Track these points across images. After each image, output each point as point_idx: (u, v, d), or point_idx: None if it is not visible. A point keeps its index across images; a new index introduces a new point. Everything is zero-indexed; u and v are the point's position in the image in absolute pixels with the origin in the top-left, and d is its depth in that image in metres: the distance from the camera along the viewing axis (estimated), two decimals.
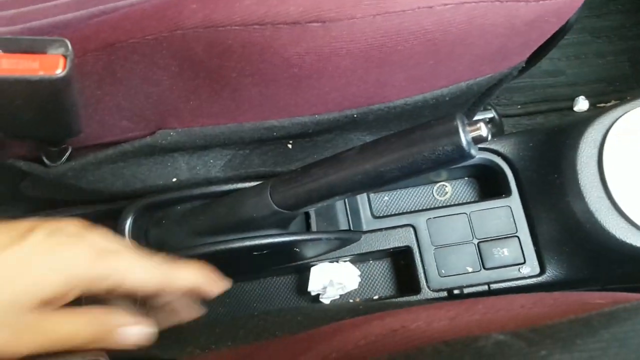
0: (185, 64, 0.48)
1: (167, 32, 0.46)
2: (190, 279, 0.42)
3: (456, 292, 0.62)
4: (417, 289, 0.63)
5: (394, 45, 0.45)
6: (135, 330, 0.37)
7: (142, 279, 0.38)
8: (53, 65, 0.41)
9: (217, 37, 0.45)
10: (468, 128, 0.41)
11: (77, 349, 0.35)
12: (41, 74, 0.40)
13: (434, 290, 0.62)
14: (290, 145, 0.65)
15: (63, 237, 0.36)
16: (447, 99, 0.57)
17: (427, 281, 0.63)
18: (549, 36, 0.57)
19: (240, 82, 0.49)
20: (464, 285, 0.63)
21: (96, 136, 0.56)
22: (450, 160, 0.42)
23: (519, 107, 1.06)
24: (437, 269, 0.63)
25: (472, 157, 0.42)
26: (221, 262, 0.59)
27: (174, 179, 0.62)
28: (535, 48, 0.58)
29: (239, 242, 0.55)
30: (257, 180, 0.60)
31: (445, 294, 0.62)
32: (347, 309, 0.51)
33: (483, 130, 0.41)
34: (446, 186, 0.71)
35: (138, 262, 0.39)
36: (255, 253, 0.57)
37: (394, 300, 0.63)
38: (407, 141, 0.43)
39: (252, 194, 0.53)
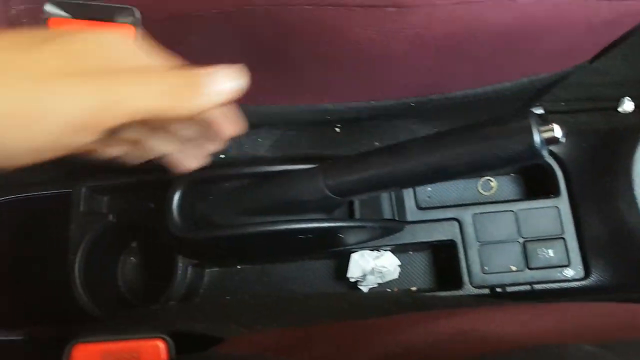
0: (251, 41, 0.47)
1: (234, 7, 0.45)
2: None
3: (499, 290, 0.61)
4: (458, 284, 0.62)
5: (469, 36, 0.43)
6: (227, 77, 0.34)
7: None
8: (124, 35, 0.40)
9: (287, 16, 0.44)
10: (541, 128, 0.40)
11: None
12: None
13: (476, 287, 0.62)
14: (338, 130, 0.64)
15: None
16: (507, 93, 0.56)
17: (469, 277, 0.62)
18: (618, 36, 0.55)
19: (304, 63, 0.48)
20: (507, 283, 0.62)
21: None
22: (520, 160, 0.41)
23: (562, 104, 1.03)
24: (481, 265, 0.62)
25: (542, 158, 0.41)
26: (262, 241, 0.59)
27: (222, 155, 0.62)
28: (602, 47, 0.56)
29: (286, 224, 0.54)
30: (304, 163, 0.59)
31: (487, 291, 0.61)
32: (393, 301, 0.51)
33: (557, 132, 0.40)
34: (491, 181, 0.70)
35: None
36: (300, 236, 0.57)
37: (439, 294, 0.62)
38: (476, 136, 0.42)
39: (304, 177, 0.52)
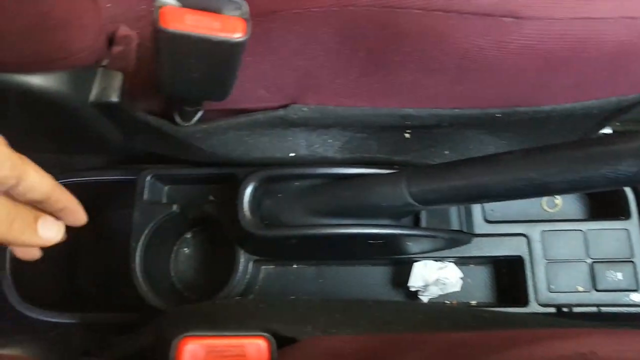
0: (348, 42, 0.47)
1: (337, 7, 0.45)
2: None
3: (565, 310, 0.60)
4: (524, 301, 0.61)
5: (580, 51, 0.42)
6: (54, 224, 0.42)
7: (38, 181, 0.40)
8: (234, 27, 0.40)
9: (393, 19, 0.43)
10: None
11: None
12: (222, 35, 0.39)
13: (542, 305, 0.60)
14: (407, 135, 0.63)
15: None
16: (594, 111, 0.55)
17: (535, 295, 0.61)
18: None
19: (400, 67, 0.48)
20: (573, 303, 0.61)
21: (231, 101, 0.55)
22: (630, 182, 0.40)
23: (631, 124, 1.01)
24: (547, 284, 0.61)
25: None
26: (329, 243, 0.58)
27: (292, 154, 0.61)
28: None
29: (362, 228, 0.54)
30: (375, 167, 0.58)
31: (553, 310, 0.60)
32: (470, 316, 0.50)
33: None
34: (557, 198, 0.69)
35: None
36: (370, 241, 0.56)
37: (518, 313, 0.60)
38: (584, 154, 0.41)
39: (385, 181, 0.52)
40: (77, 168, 0.82)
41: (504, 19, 0.40)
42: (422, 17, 0.42)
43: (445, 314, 0.51)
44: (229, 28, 0.40)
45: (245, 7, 0.41)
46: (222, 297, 0.62)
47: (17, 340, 0.41)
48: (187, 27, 0.38)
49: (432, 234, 0.57)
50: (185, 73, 0.43)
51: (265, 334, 0.35)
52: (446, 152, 0.63)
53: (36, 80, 0.45)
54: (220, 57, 0.41)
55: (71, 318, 0.65)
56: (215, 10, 0.40)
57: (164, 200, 0.68)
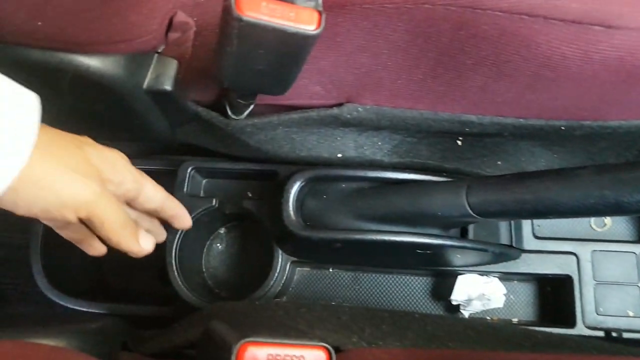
0: (418, 40, 0.45)
1: (412, 4, 0.43)
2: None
3: (614, 334, 0.58)
4: (571, 323, 0.58)
5: None
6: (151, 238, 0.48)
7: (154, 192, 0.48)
8: (308, 19, 0.38)
9: (472, 19, 0.41)
10: None
11: None
12: (297, 26, 0.37)
13: (589, 328, 0.58)
14: (459, 142, 0.61)
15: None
16: None
17: (583, 316, 0.59)
18: None
19: (470, 71, 0.46)
20: (623, 328, 0.58)
21: (283, 96, 0.53)
22: None
23: None
24: (595, 306, 0.59)
25: None
26: (374, 249, 0.56)
27: (339, 155, 0.59)
28: None
29: (410, 236, 0.52)
30: (427, 173, 0.56)
31: (601, 333, 0.58)
32: (523, 335, 0.48)
33: None
34: (606, 217, 0.66)
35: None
36: (418, 251, 0.54)
37: (563, 334, 0.58)
38: None
39: (444, 190, 0.49)
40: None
41: (594, 27, 0.38)
42: (504, 19, 0.40)
43: (497, 331, 0.48)
44: (304, 19, 0.38)
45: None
46: (256, 297, 0.60)
47: (56, 331, 0.39)
48: (262, 16, 0.37)
49: (483, 247, 0.55)
50: (251, 64, 0.41)
51: (325, 344, 0.33)
52: (499, 163, 0.61)
53: (93, 62, 0.44)
54: (291, 50, 0.40)
55: (99, 308, 0.64)
56: (291, 0, 0.39)
57: (202, 193, 0.67)
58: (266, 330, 0.38)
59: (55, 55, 0.42)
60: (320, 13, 0.38)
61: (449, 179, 0.54)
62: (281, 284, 0.61)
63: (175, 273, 0.60)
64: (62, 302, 0.63)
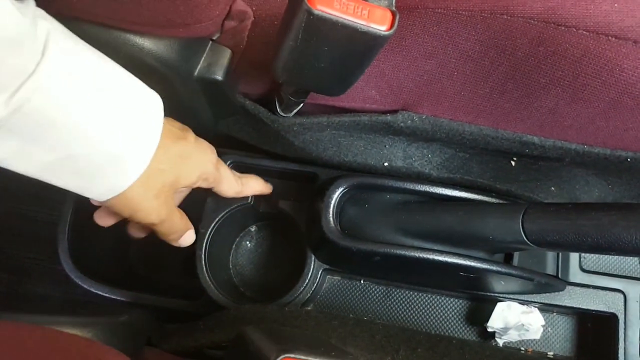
0: (490, 52, 0.42)
1: (489, 13, 0.40)
2: (254, 190, 0.57)
3: None
4: None
5: None
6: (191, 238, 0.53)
7: (227, 187, 0.53)
8: (382, 19, 0.35)
9: (554, 36, 0.38)
10: None
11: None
12: (370, 25, 0.35)
13: None
14: (513, 163, 0.58)
15: (202, 144, 0.48)
16: None
17: (625, 358, 0.55)
18: None
19: (543, 90, 0.43)
20: None
21: (336, 98, 0.51)
22: None
23: None
24: None
25: None
26: (413, 266, 0.53)
27: (386, 163, 0.57)
28: None
29: (458, 258, 0.49)
30: (475, 191, 0.53)
31: None
32: None
33: None
34: None
35: (230, 176, 0.53)
36: (461, 273, 0.51)
37: None
38: None
39: (498, 213, 0.47)
40: None
41: None
42: (589, 39, 0.37)
43: None
44: (377, 19, 0.35)
45: None
46: (285, 302, 0.58)
47: (85, 321, 0.38)
48: (334, 11, 0.34)
49: (531, 276, 0.52)
50: (312, 61, 0.39)
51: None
52: (552, 189, 0.58)
53: (148, 43, 0.42)
54: (358, 50, 0.37)
55: (123, 296, 0.62)
56: None
57: None
58: (301, 342, 0.36)
59: (111, 33, 0.40)
60: (394, 14, 0.36)
61: (503, 202, 0.51)
62: (311, 291, 0.58)
63: (204, 268, 0.59)
64: (85, 286, 0.62)
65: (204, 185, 0.50)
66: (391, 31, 0.36)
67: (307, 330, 0.45)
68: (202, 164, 0.47)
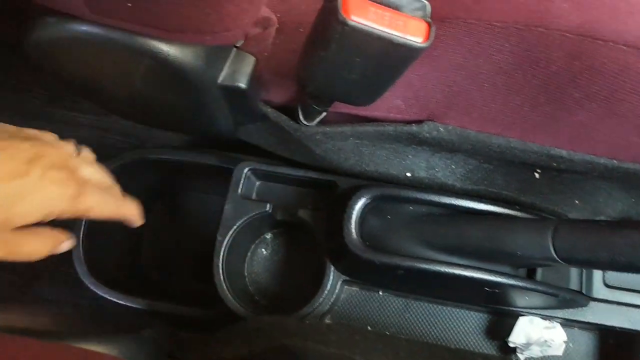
0: (524, 65, 0.41)
1: (523, 25, 0.39)
2: (130, 214, 0.49)
3: None
4: None
5: None
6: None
7: (100, 213, 0.44)
8: (417, 30, 0.35)
9: (591, 50, 0.37)
10: None
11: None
12: (405, 37, 0.34)
13: None
14: (537, 175, 0.57)
15: (56, 174, 0.40)
16: None
17: None
18: None
19: (576, 104, 0.42)
20: None
21: (361, 107, 0.50)
22: None
23: None
24: None
25: None
26: (435, 279, 0.52)
27: (408, 174, 0.56)
28: None
29: (485, 273, 0.48)
30: (499, 204, 0.52)
31: None
32: None
33: None
34: None
35: (101, 200, 0.44)
36: (487, 289, 0.50)
37: None
38: None
39: (527, 228, 0.45)
40: (153, 144, 0.79)
41: None
42: (628, 54, 0.36)
43: None
44: (413, 30, 0.34)
45: (429, 9, 0.36)
46: (303, 314, 0.57)
47: (109, 338, 0.37)
48: (369, 22, 0.33)
49: (555, 292, 0.50)
50: (343, 71, 0.38)
51: None
52: (576, 202, 0.57)
53: (173, 50, 0.41)
54: (391, 61, 0.36)
55: (137, 303, 0.62)
56: (395, 7, 0.35)
57: (254, 196, 0.64)
58: None
59: (136, 40, 0.39)
60: (429, 25, 0.35)
61: (530, 216, 0.50)
62: (329, 303, 0.57)
63: (221, 277, 0.58)
64: (100, 293, 0.61)
65: (64, 217, 0.43)
66: (427, 43, 0.35)
67: (330, 347, 0.44)
68: (47, 203, 0.40)
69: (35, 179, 0.39)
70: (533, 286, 0.49)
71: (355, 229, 0.52)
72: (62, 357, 0.29)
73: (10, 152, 0.38)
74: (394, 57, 0.36)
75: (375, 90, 0.41)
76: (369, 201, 0.53)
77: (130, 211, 0.48)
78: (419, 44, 0.34)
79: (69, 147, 0.44)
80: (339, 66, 0.37)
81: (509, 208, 0.51)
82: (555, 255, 0.44)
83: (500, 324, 0.59)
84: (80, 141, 0.52)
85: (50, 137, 0.44)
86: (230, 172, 0.62)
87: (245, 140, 0.61)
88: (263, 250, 0.67)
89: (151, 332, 0.42)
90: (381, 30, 0.34)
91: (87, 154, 0.46)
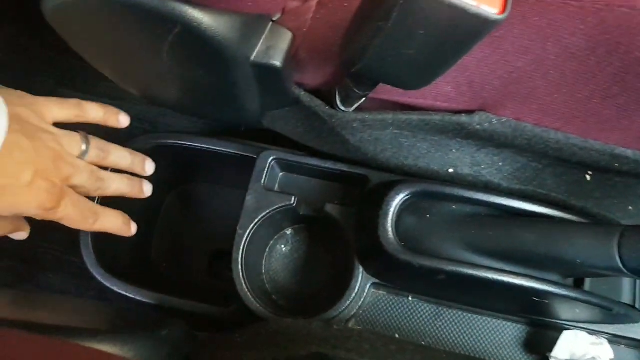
0: (600, 50, 0.36)
1: (603, 4, 0.34)
2: (107, 229, 0.48)
3: None
4: None
5: None
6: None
7: (72, 224, 0.44)
8: (494, 1, 0.30)
9: None
10: None
11: None
12: (480, 7, 0.29)
13: None
14: (588, 177, 0.52)
15: (42, 184, 0.39)
16: None
17: None
18: None
19: None
20: None
21: (404, 93, 0.45)
22: None
23: None
24: None
25: None
26: (478, 286, 0.48)
27: (450, 170, 0.51)
28: None
29: (541, 284, 0.43)
30: (545, 205, 0.48)
31: None
32: None
33: None
34: None
35: (74, 216, 0.43)
36: (535, 299, 0.46)
37: None
38: None
39: (589, 235, 0.41)
40: (167, 129, 0.74)
41: None
42: None
43: None
44: (489, 1, 0.30)
45: None
46: (327, 317, 0.52)
47: (127, 338, 0.32)
48: None
49: (609, 305, 0.46)
50: (401, 47, 0.33)
51: None
52: (630, 208, 0.52)
53: (207, 18, 0.37)
54: (460, 35, 0.32)
55: (150, 298, 0.57)
56: None
57: (276, 187, 0.60)
58: None
59: (167, 4, 0.35)
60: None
61: (587, 221, 0.45)
62: (357, 307, 0.53)
63: (241, 273, 0.53)
64: (109, 285, 0.57)
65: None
66: (504, 15, 0.30)
67: (364, 358, 0.40)
68: (21, 207, 0.40)
69: (22, 183, 0.38)
70: (589, 299, 0.44)
71: (392, 228, 0.47)
72: (71, 357, 0.25)
73: (10, 149, 0.37)
74: (462, 31, 0.31)
75: (432, 71, 0.36)
76: (407, 198, 0.48)
77: (109, 225, 0.47)
78: (494, 16, 0.30)
79: (75, 145, 0.44)
80: (398, 41, 0.32)
81: (565, 212, 0.46)
82: (621, 266, 0.39)
83: (541, 336, 0.54)
84: (92, 126, 0.48)
85: (65, 135, 0.43)
86: (250, 161, 0.58)
87: (268, 127, 0.57)
88: (282, 246, 0.63)
89: (169, 333, 0.37)
90: (456, 1, 0.29)
91: (97, 144, 0.46)
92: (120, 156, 0.50)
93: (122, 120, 0.50)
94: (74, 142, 0.44)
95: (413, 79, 0.37)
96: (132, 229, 0.50)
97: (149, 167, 0.53)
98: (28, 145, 0.38)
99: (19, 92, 0.42)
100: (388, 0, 0.30)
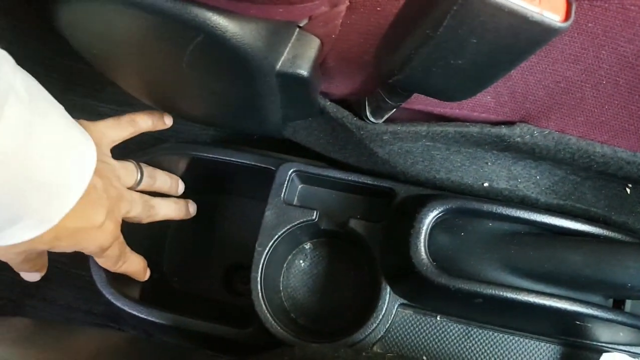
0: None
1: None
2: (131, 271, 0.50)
3: None
4: None
5: None
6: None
7: (105, 264, 0.47)
8: (556, 7, 0.27)
9: None
10: None
11: None
12: (543, 14, 0.27)
13: None
14: (628, 190, 0.49)
15: (111, 226, 0.41)
16: None
17: None
18: None
19: None
20: None
21: (439, 103, 0.42)
22: None
23: None
24: None
25: None
26: (517, 310, 0.45)
27: (485, 184, 0.48)
28: None
29: (587, 307, 0.40)
30: (588, 223, 0.45)
31: None
32: None
33: None
34: None
35: (116, 255, 0.45)
36: (577, 322, 0.43)
37: None
38: None
39: (633, 254, 0.38)
40: (176, 136, 0.71)
41: None
42: None
43: None
44: (551, 6, 0.27)
45: None
46: (352, 342, 0.49)
47: None
48: None
49: None
50: (449, 56, 0.30)
51: None
52: None
53: (232, 26, 0.34)
54: (519, 44, 0.29)
55: (161, 318, 0.54)
56: None
57: (295, 201, 0.57)
58: None
59: (190, 10, 0.32)
60: (569, 2, 0.27)
61: (635, 240, 0.42)
62: (384, 329, 0.50)
63: (260, 294, 0.50)
64: (119, 304, 0.54)
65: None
66: (567, 23, 0.27)
67: None
68: (81, 246, 0.40)
69: (95, 225, 0.38)
70: (636, 322, 0.41)
71: (425, 248, 0.44)
72: None
73: (89, 190, 0.36)
74: (521, 39, 0.28)
75: (480, 82, 0.33)
76: (440, 214, 0.45)
77: (132, 269, 0.49)
78: (558, 24, 0.27)
79: (130, 176, 0.45)
80: (447, 50, 0.30)
81: (609, 229, 0.43)
82: None
83: (577, 358, 0.51)
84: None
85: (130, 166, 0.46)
86: (267, 172, 0.55)
87: (290, 138, 0.54)
88: (301, 262, 0.60)
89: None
90: (515, 4, 0.26)
91: (147, 172, 0.49)
92: (163, 180, 0.52)
93: (167, 121, 0.52)
94: (129, 174, 0.45)
95: (458, 90, 0.34)
96: (147, 274, 0.53)
97: (182, 188, 0.56)
98: (100, 184, 0.38)
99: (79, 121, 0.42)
100: (439, 6, 0.27)
